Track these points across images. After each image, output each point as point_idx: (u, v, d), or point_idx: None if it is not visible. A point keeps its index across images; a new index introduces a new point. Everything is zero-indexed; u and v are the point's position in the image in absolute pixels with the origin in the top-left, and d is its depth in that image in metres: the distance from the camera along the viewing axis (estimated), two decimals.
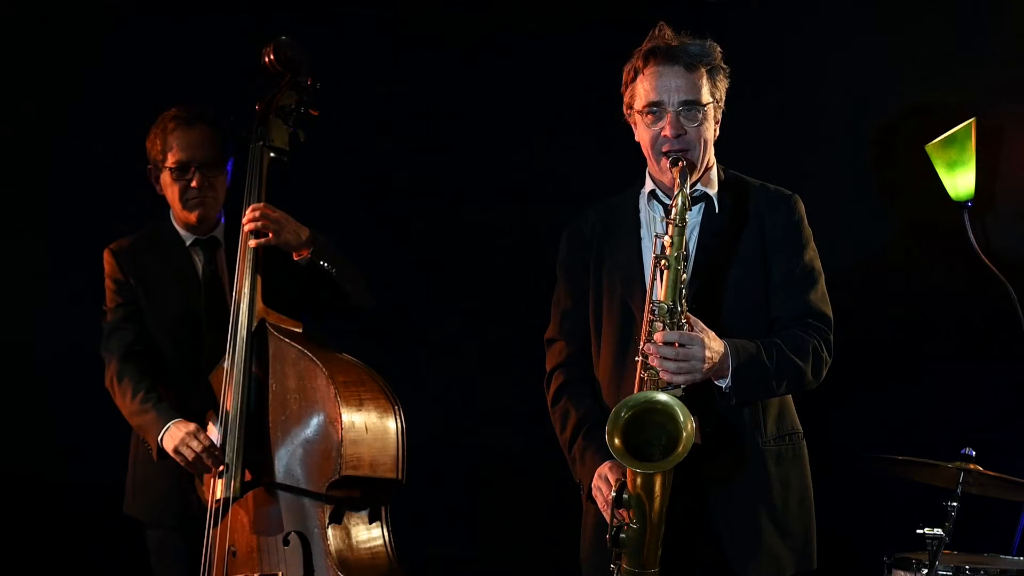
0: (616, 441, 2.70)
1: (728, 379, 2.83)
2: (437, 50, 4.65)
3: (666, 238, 2.83)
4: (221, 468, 3.34)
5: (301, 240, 3.47)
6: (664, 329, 2.78)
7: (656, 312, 2.80)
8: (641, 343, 2.82)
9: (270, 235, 3.43)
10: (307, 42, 3.55)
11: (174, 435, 3.38)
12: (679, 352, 2.76)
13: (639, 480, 2.72)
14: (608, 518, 2.80)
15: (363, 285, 3.62)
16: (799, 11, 4.59)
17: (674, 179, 2.87)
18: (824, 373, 2.97)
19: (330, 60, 3.76)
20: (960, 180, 4.34)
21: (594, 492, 2.93)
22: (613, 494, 2.75)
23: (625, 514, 2.75)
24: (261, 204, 3.44)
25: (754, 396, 2.91)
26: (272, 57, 3.49)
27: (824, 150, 4.57)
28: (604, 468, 2.90)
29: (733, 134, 3.11)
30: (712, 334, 2.81)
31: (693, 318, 2.81)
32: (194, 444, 3.34)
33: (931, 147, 4.36)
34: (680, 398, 2.73)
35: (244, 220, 3.44)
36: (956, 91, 4.47)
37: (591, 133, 4.39)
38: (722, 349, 2.81)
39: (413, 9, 4.63)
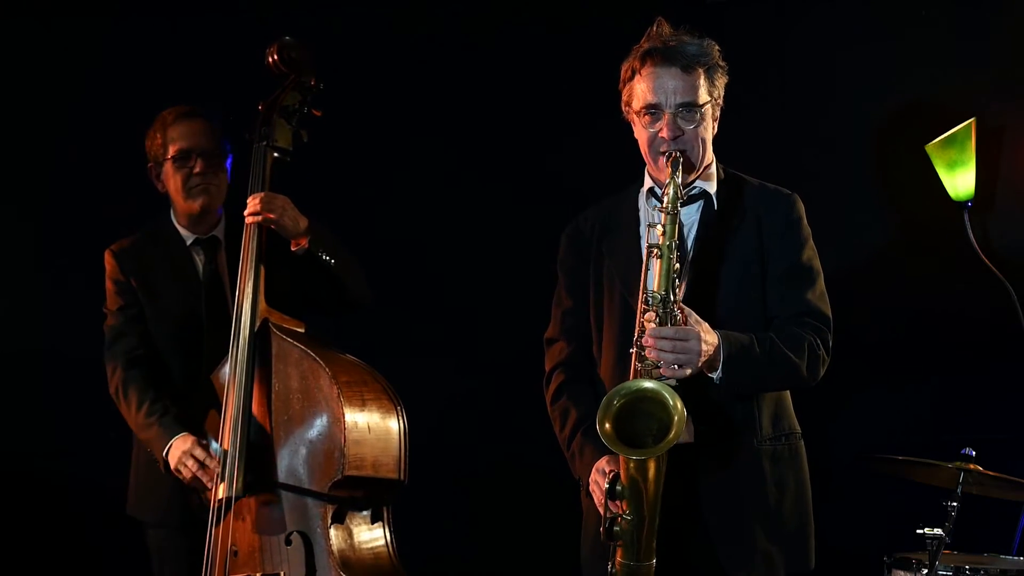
0: (607, 426, 2.69)
1: (719, 371, 2.82)
2: (439, 50, 4.65)
3: (659, 227, 2.83)
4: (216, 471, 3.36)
5: (299, 228, 3.47)
6: (657, 319, 2.78)
7: (649, 302, 2.80)
8: (635, 334, 2.81)
9: (269, 215, 3.42)
10: (310, 42, 3.56)
11: (174, 453, 3.40)
12: (676, 345, 2.75)
13: (632, 468, 2.71)
14: (602, 512, 2.79)
15: (363, 279, 3.62)
16: (799, 11, 4.59)
17: (665, 168, 2.87)
18: (822, 372, 2.95)
19: (333, 60, 3.76)
20: (960, 180, 4.34)
21: (591, 487, 2.91)
22: (606, 485, 2.73)
23: (619, 506, 2.74)
24: (263, 193, 3.45)
25: (745, 388, 2.89)
26: (276, 57, 3.50)
27: (824, 150, 4.56)
28: (602, 462, 2.88)
29: (733, 134, 3.11)
30: (706, 326, 2.80)
31: (687, 308, 2.80)
32: (190, 463, 3.37)
33: (931, 147, 4.36)
34: (673, 388, 2.72)
35: (246, 211, 3.44)
36: (956, 91, 4.48)
37: (592, 133, 4.37)
38: (716, 341, 2.80)
39: (414, 9, 4.63)
